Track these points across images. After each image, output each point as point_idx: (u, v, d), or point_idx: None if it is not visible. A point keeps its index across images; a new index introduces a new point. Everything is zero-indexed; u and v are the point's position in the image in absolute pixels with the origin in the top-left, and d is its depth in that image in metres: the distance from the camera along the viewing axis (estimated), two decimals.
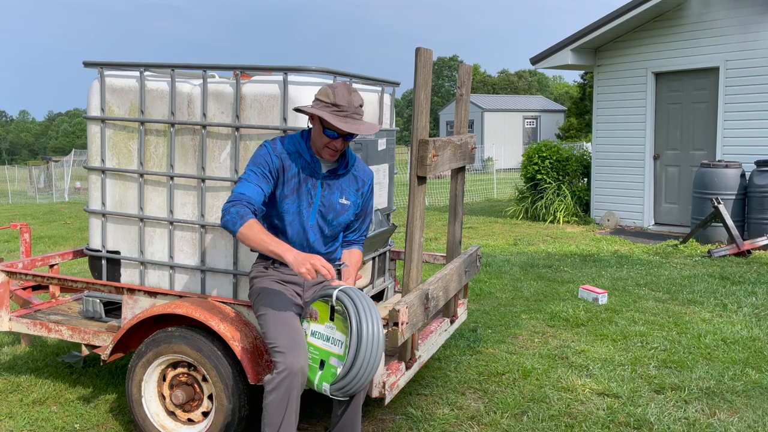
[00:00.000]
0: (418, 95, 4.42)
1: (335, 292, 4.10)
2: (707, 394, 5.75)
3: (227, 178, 5.05)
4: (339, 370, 4.05)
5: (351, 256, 4.75)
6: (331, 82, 5.03)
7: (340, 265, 4.61)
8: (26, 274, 5.63)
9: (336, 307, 4.13)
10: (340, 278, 4.64)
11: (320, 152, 4.36)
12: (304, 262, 4.01)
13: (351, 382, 4.01)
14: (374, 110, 5.78)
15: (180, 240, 5.32)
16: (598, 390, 5.82)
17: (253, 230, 4.13)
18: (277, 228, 4.48)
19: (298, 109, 4.31)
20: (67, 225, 18.19)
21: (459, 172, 5.64)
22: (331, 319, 4.15)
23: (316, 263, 4.01)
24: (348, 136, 4.27)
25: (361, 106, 4.27)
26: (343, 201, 4.51)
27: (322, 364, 4.13)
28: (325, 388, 4.08)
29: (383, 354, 4.08)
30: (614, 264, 11.25)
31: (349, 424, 4.47)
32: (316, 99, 4.26)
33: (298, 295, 4.51)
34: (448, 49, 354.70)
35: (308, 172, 4.40)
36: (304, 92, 4.84)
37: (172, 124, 5.20)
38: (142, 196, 5.37)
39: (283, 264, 4.47)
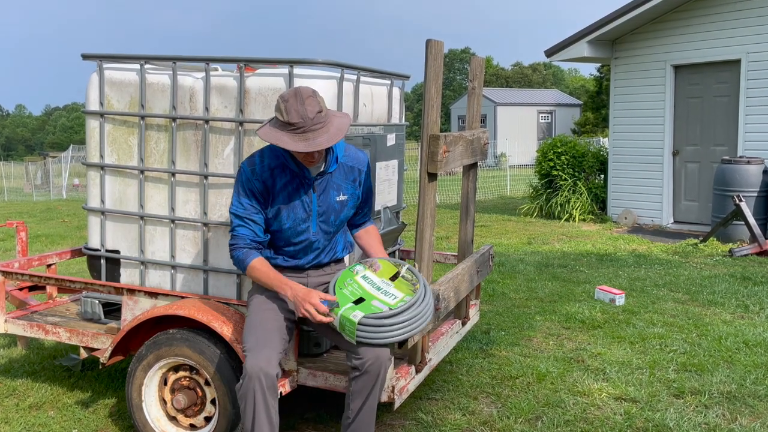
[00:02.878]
0: (429, 89, 4.41)
1: (407, 265, 4.35)
2: (728, 398, 5.74)
3: (230, 175, 5.05)
4: (384, 309, 4.08)
5: (369, 234, 4.83)
6: (338, 75, 5.02)
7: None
8: (22, 274, 5.64)
9: (405, 275, 4.29)
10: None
11: (302, 161, 4.35)
12: (302, 303, 4.13)
13: (395, 324, 4.06)
14: (383, 104, 5.78)
15: (182, 239, 5.32)
16: (615, 394, 5.81)
17: (254, 274, 4.34)
18: (277, 246, 4.52)
19: (257, 132, 4.26)
20: (65, 223, 18.22)
21: (471, 168, 5.64)
22: (392, 279, 4.27)
23: (311, 309, 4.10)
24: None
25: (320, 112, 4.15)
26: (341, 198, 4.51)
27: (359, 300, 4.15)
28: (357, 315, 4.06)
29: (423, 329, 4.17)
30: (632, 264, 11.24)
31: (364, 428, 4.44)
32: (274, 116, 4.21)
33: None
34: (460, 41, 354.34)
35: (298, 182, 4.39)
36: (311, 86, 4.81)
37: (174, 119, 5.20)
38: (143, 194, 5.38)
39: (288, 267, 4.50)
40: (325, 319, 4.08)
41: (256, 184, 4.33)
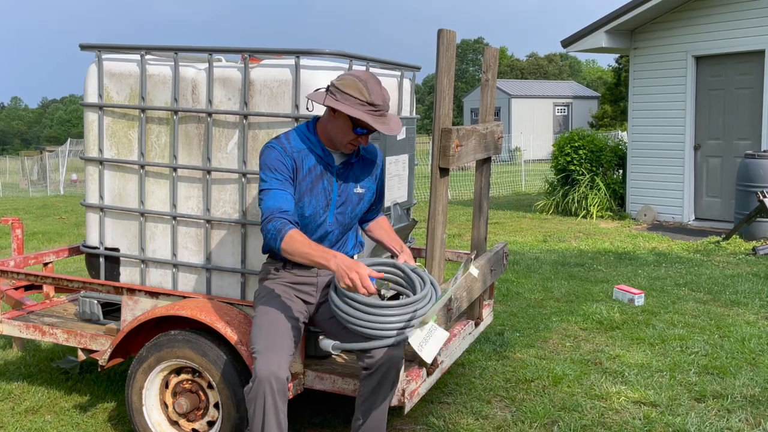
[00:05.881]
0: (441, 80, 4.41)
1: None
2: (752, 402, 5.73)
3: (234, 170, 5.05)
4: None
5: (380, 225, 4.83)
6: (346, 66, 5.02)
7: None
8: (18, 273, 5.64)
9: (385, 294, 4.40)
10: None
11: (339, 146, 4.35)
12: (348, 272, 3.94)
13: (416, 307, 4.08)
14: (393, 96, 5.77)
15: (184, 236, 5.33)
16: (634, 398, 5.81)
17: (294, 244, 4.10)
18: None
19: (326, 104, 4.22)
20: (63, 220, 18.27)
21: (484, 163, 5.64)
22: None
23: (355, 282, 3.94)
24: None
25: (389, 99, 4.28)
26: (359, 190, 4.53)
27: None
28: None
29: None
30: (651, 262, 11.23)
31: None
32: (343, 92, 4.17)
33: (310, 295, 4.53)
34: (473, 31, 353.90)
35: (321, 168, 4.39)
36: (318, 77, 4.83)
37: (176, 112, 5.21)
38: (143, 189, 5.38)
39: (297, 265, 4.47)
40: (370, 290, 4.01)
41: (288, 159, 4.29)
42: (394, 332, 4.03)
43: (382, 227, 4.82)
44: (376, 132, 4.41)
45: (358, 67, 5.16)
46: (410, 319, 4.05)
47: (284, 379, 4.04)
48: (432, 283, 4.27)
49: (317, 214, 4.41)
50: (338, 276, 4.00)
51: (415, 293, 4.19)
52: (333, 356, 4.98)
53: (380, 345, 4.03)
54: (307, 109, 4.59)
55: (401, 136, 5.76)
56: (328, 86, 4.26)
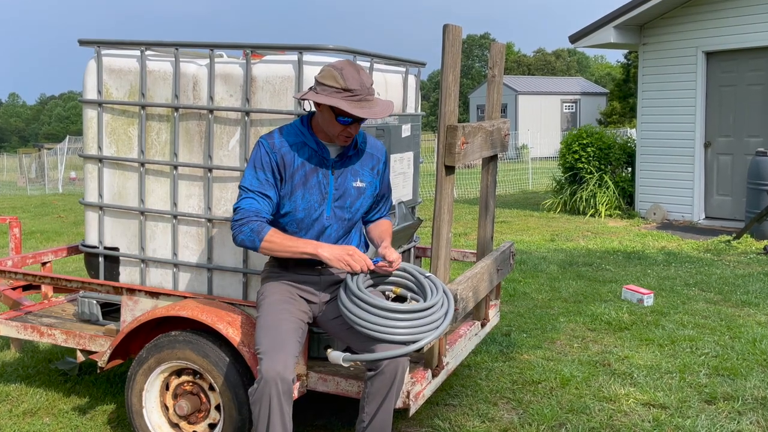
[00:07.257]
0: (446, 77, 4.41)
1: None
2: (763, 404, 5.72)
3: (236, 168, 5.05)
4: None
5: (379, 225, 4.79)
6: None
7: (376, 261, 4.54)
8: (16, 273, 5.64)
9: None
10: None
11: (332, 139, 4.37)
12: (341, 257, 4.16)
13: (425, 315, 4.10)
14: (398, 93, 5.77)
15: (184, 235, 5.33)
16: (643, 400, 5.80)
17: (275, 241, 4.26)
18: (289, 233, 4.48)
19: (303, 98, 4.27)
20: (61, 219, 18.27)
21: (491, 161, 5.63)
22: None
23: (352, 258, 4.16)
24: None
25: (372, 84, 4.28)
26: (358, 184, 4.52)
27: None
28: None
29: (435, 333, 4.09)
30: (661, 262, 11.22)
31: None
32: (321, 84, 4.21)
33: (314, 294, 4.53)
34: (479, 27, 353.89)
35: (316, 162, 4.40)
36: None
37: (176, 109, 5.20)
38: (143, 188, 5.38)
39: (299, 264, 4.47)
40: (365, 266, 4.18)
41: (275, 157, 4.34)
42: (404, 338, 4.02)
43: (377, 226, 4.79)
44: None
45: (363, 63, 5.16)
46: (422, 326, 4.05)
47: (290, 380, 4.04)
48: (444, 291, 4.26)
49: (312, 208, 4.42)
50: (333, 262, 4.18)
51: (426, 299, 4.19)
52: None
53: (393, 355, 4.02)
54: (303, 108, 4.59)
55: (406, 133, 5.76)
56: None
